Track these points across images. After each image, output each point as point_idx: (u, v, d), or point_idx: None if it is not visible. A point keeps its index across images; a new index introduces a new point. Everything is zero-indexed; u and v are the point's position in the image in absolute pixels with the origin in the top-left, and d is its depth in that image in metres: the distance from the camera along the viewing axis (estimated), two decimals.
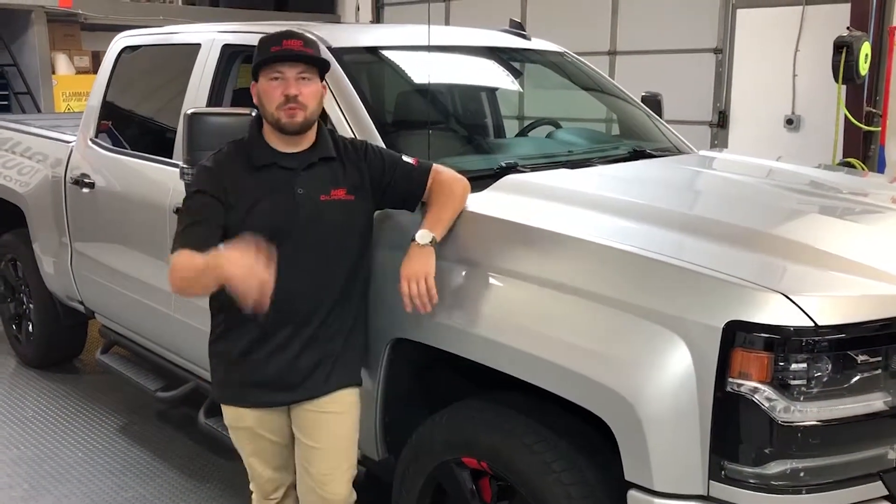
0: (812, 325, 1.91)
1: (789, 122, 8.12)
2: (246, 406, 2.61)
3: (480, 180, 2.80)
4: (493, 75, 4.09)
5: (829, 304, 1.98)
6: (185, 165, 2.89)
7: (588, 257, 2.28)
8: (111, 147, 4.19)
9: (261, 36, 2.50)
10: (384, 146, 2.81)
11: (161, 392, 3.98)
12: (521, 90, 4.33)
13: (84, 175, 4.21)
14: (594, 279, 2.21)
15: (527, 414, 2.36)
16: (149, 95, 4.38)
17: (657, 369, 2.00)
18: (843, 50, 6.76)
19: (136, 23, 7.78)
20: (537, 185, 2.83)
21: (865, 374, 1.98)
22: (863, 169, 6.86)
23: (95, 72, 5.04)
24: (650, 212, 2.55)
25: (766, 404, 1.92)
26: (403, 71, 3.62)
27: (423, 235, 2.44)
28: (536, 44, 4.04)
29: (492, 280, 2.40)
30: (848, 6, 7.43)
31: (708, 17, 8.64)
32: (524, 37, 4.04)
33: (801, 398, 1.93)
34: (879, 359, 1.99)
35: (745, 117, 8.56)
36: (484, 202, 2.63)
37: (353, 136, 2.84)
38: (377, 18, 12.05)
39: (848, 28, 7.07)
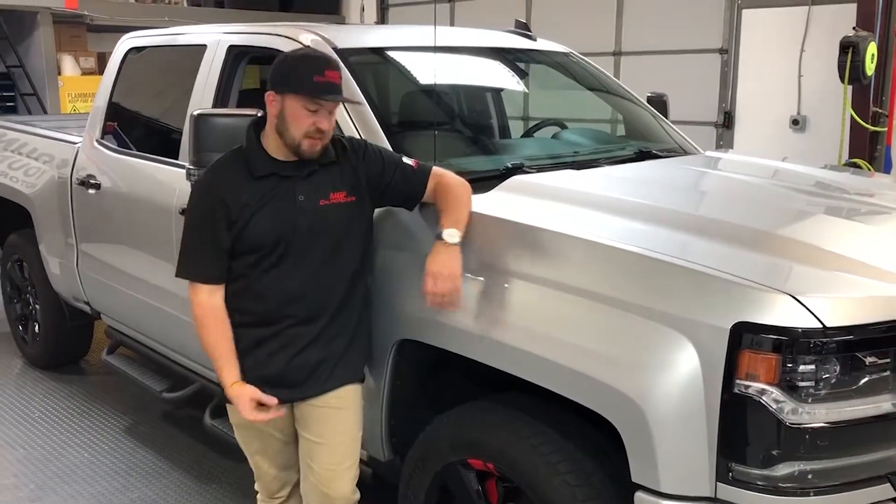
0: (820, 326, 1.90)
1: (795, 122, 8.10)
2: None
3: (486, 181, 2.80)
4: (498, 76, 4.09)
5: (837, 305, 1.97)
6: (191, 166, 2.89)
7: (595, 259, 2.27)
8: (117, 148, 4.20)
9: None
10: (390, 147, 2.81)
11: (167, 393, 3.98)
12: (527, 91, 4.32)
13: (90, 176, 4.22)
14: (601, 280, 2.20)
15: (533, 415, 2.36)
16: (155, 96, 4.38)
17: (664, 371, 2.00)
18: (850, 50, 6.75)
19: (142, 24, 7.78)
20: (543, 186, 2.82)
21: (873, 376, 1.97)
22: (869, 169, 6.85)
23: (101, 73, 5.05)
24: (656, 213, 2.54)
25: (774, 406, 1.92)
26: (409, 72, 3.62)
27: (451, 234, 2.43)
28: (542, 44, 4.04)
29: (499, 282, 2.40)
30: (854, 6, 7.41)
31: (713, 17, 8.63)
32: (529, 37, 4.04)
33: (809, 400, 1.93)
34: (888, 360, 1.98)
35: (751, 118, 8.54)
36: (490, 203, 2.63)
37: (357, 137, 2.84)
38: (382, 19, 12.06)
39: (854, 28, 7.05)
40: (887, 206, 2.97)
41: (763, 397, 1.92)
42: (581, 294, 2.20)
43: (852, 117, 7.12)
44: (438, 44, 3.09)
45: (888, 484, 2.01)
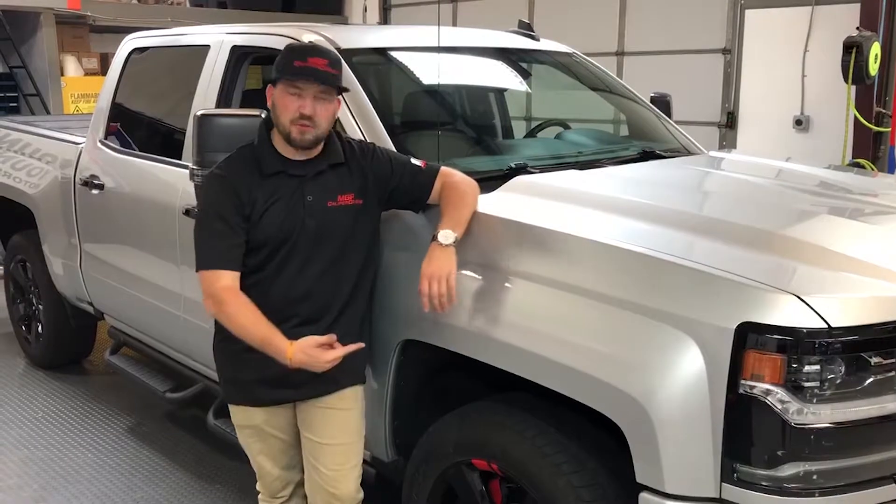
0: (825, 326, 1.90)
1: (798, 122, 8.08)
2: (254, 404, 2.63)
3: (490, 181, 2.80)
4: (501, 76, 4.09)
5: (842, 305, 1.97)
6: (194, 167, 2.90)
7: (600, 259, 2.27)
8: (120, 148, 4.20)
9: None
10: (394, 148, 2.81)
11: (170, 393, 3.98)
12: (530, 91, 4.32)
13: (93, 176, 4.22)
14: (606, 281, 2.20)
15: (537, 416, 2.36)
16: (158, 97, 4.38)
17: (669, 371, 1.99)
18: (853, 50, 6.73)
19: (145, 24, 7.79)
20: (547, 186, 2.82)
21: (879, 376, 1.97)
22: (872, 169, 6.83)
23: (104, 73, 5.05)
24: (660, 213, 2.54)
25: (779, 406, 1.91)
26: (412, 72, 3.62)
27: (445, 235, 2.43)
28: (545, 44, 4.04)
29: (503, 282, 2.40)
30: (857, 6, 7.39)
31: (716, 17, 8.61)
32: (533, 37, 4.04)
33: (814, 400, 1.92)
34: (893, 360, 1.98)
35: (754, 118, 8.53)
36: (494, 203, 2.63)
37: (362, 138, 2.84)
38: (384, 19, 12.06)
39: (858, 28, 7.03)
40: (891, 205, 2.96)
41: (768, 398, 1.92)
42: (586, 294, 2.20)
43: (856, 117, 7.10)
44: (441, 44, 3.09)
45: (893, 484, 2.00)
